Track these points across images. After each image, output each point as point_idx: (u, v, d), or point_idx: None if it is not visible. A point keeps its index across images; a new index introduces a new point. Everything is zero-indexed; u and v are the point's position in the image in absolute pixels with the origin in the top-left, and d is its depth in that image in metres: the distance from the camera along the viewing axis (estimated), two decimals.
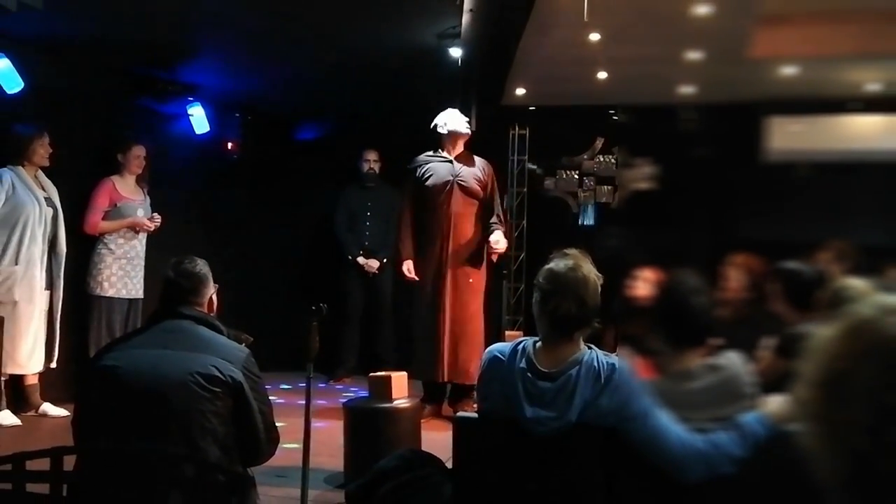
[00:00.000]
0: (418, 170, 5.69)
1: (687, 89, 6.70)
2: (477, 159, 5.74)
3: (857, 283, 3.34)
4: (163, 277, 2.88)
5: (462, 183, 5.61)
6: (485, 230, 5.64)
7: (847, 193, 6.81)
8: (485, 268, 5.74)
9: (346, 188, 7.43)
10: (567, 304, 2.51)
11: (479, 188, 5.66)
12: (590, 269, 2.57)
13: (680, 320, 2.66)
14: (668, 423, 2.43)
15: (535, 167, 7.56)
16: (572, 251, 2.62)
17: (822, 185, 6.83)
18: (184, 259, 2.89)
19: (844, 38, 5.35)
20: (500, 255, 5.81)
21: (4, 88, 5.32)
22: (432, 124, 5.71)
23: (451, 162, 5.66)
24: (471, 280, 5.62)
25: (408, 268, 5.60)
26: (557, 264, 2.58)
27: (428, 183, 5.62)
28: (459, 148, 5.70)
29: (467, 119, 5.71)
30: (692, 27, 5.14)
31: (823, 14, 5.13)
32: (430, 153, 5.73)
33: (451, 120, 5.67)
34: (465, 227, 5.64)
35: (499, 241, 5.57)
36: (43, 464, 2.19)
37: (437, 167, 5.66)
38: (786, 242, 5.04)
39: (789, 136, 6.94)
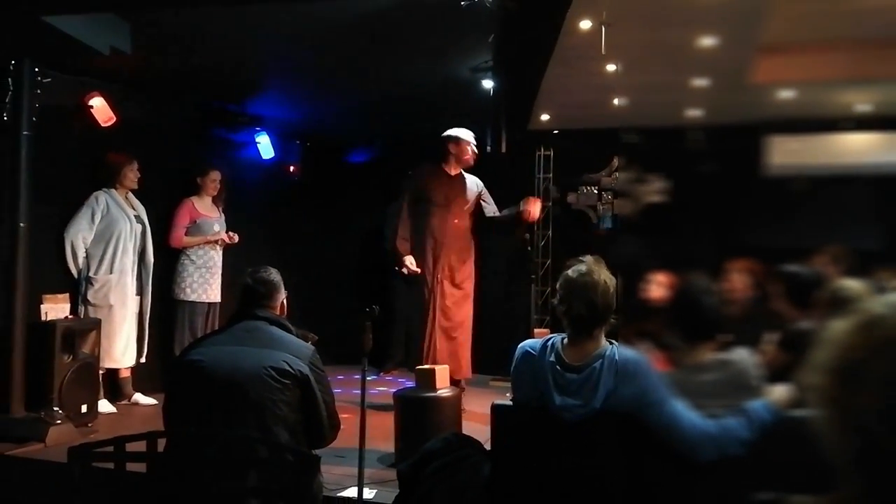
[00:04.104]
0: (419, 180, 5.58)
1: (694, 112, 6.65)
2: (468, 175, 5.60)
3: (852, 284, 3.31)
4: (240, 284, 2.93)
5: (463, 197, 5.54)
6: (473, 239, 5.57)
7: (840, 204, 6.70)
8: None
9: (393, 205, 7.43)
10: (578, 305, 2.50)
11: (472, 201, 5.55)
12: (603, 273, 2.54)
13: (693, 317, 2.64)
14: (683, 410, 2.42)
15: (554, 189, 7.52)
16: (587, 258, 2.60)
17: (818, 197, 6.73)
18: (260, 268, 2.94)
19: (836, 64, 5.29)
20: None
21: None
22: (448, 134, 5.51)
23: (452, 176, 5.54)
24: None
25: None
26: (571, 271, 2.57)
27: (432, 196, 5.51)
28: (464, 163, 5.53)
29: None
30: (699, 57, 5.10)
31: (817, 43, 5.07)
32: (434, 166, 5.59)
33: (463, 134, 5.53)
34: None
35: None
36: (139, 445, 2.24)
37: (442, 181, 5.53)
38: (786, 249, 4.96)
39: (787, 152, 6.85)
